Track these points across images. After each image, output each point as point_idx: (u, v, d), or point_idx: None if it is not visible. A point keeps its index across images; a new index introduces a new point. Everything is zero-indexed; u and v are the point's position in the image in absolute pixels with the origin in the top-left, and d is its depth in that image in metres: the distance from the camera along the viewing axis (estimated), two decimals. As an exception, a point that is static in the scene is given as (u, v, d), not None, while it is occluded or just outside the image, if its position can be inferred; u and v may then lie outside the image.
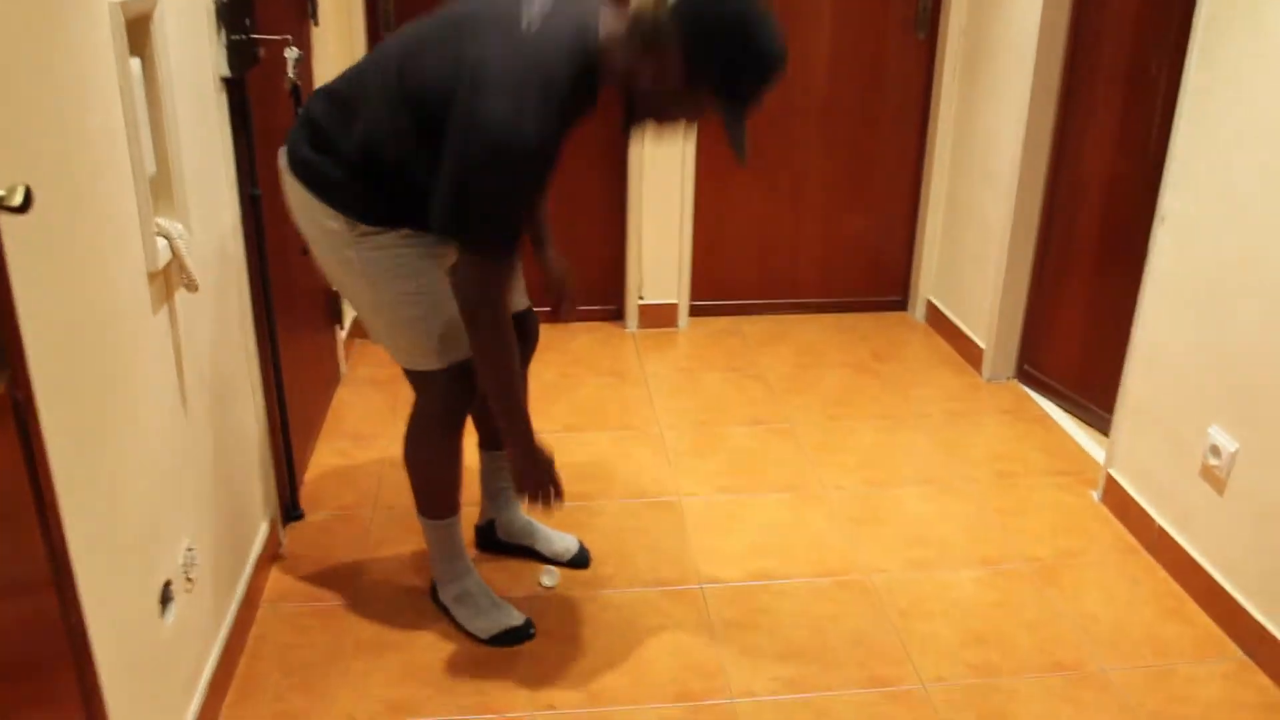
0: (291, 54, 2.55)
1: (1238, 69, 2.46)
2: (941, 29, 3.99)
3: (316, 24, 3.35)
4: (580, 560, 2.72)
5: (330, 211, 2.11)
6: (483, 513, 2.77)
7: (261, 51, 2.47)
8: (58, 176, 1.48)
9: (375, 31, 3.69)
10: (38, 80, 1.43)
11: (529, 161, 1.90)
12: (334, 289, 2.20)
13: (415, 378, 2.28)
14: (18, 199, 1.22)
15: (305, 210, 2.15)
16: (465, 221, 1.95)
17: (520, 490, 2.23)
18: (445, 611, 2.51)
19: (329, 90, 2.16)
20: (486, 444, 2.68)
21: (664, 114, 2.00)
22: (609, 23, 1.94)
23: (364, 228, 2.10)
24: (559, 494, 2.24)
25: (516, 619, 2.47)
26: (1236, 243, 2.48)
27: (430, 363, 2.21)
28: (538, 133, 1.86)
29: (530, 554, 2.73)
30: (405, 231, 2.12)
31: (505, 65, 1.87)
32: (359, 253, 2.12)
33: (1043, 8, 3.32)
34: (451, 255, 2.08)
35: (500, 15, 1.94)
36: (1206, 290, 2.60)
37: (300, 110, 2.17)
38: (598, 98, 2.02)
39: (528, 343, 2.55)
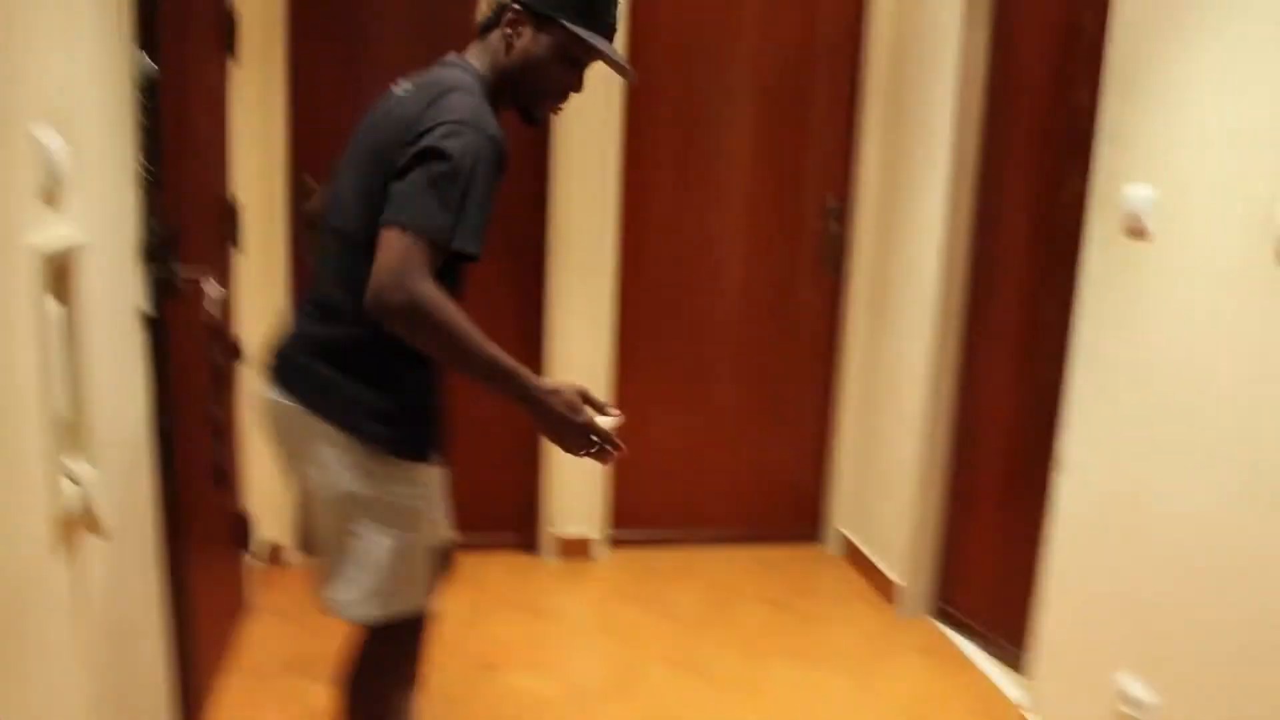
0: (212, 289, 2.54)
1: (1121, 322, 2.59)
2: (849, 268, 4.15)
3: (239, 250, 3.38)
4: None
5: (350, 441, 1.99)
6: None
7: (182, 285, 2.46)
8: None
9: (299, 251, 3.72)
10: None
11: (498, 149, 1.91)
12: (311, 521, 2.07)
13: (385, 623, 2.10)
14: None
15: (311, 438, 2.02)
16: (452, 217, 1.83)
17: (567, 449, 2.00)
18: None
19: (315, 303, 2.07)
20: None
21: (545, 86, 2.08)
22: (475, 53, 2.08)
23: (389, 460, 2.02)
24: (609, 441, 2.00)
25: None
26: (1132, 490, 2.55)
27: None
28: (497, 127, 1.93)
29: None
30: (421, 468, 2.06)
31: (448, 92, 1.94)
32: (379, 488, 2.02)
33: (942, 256, 3.49)
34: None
35: (392, 111, 1.98)
36: (1108, 535, 2.65)
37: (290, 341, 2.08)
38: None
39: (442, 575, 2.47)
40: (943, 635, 3.67)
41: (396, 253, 1.79)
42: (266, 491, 3.79)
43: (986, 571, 3.55)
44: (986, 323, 3.48)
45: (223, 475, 2.73)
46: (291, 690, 3.08)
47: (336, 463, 2.00)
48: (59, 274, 1.80)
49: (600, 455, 2.02)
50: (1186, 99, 2.40)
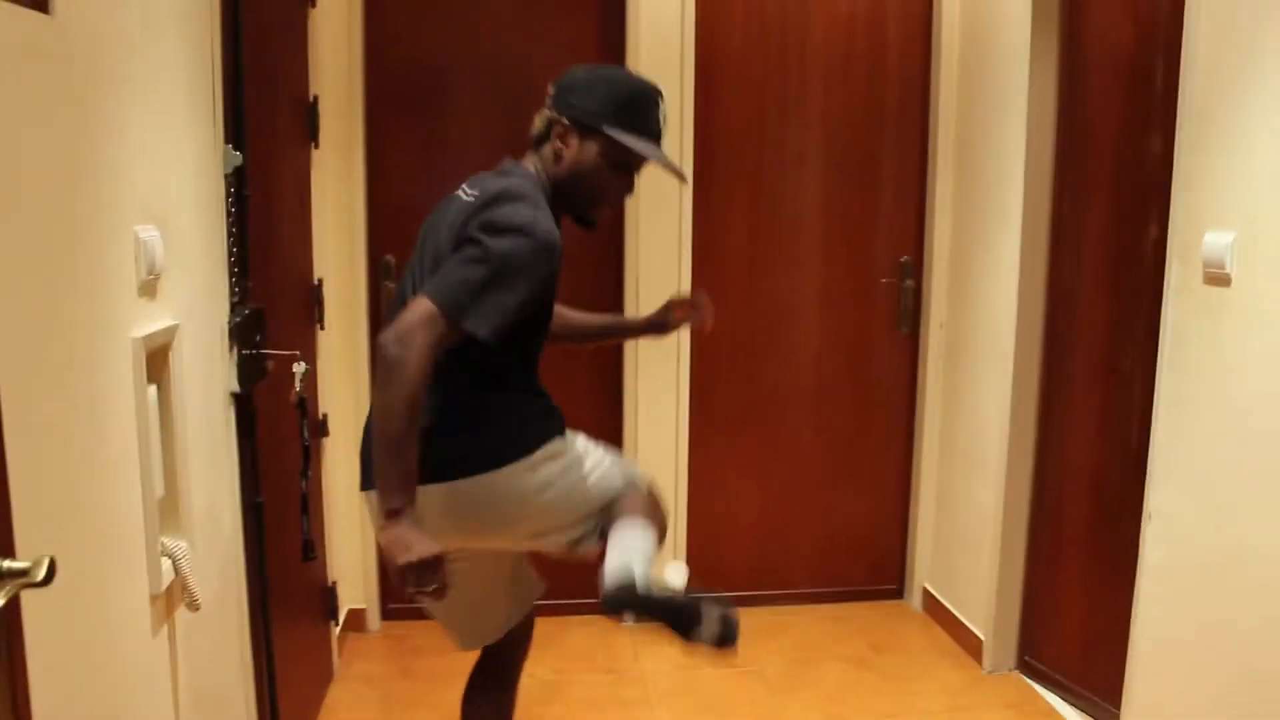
0: (299, 368, 2.64)
1: (1205, 370, 2.57)
2: (923, 324, 4.16)
3: (323, 328, 3.49)
4: None
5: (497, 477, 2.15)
6: None
7: (270, 365, 2.56)
8: (72, 512, 1.51)
9: (377, 327, 3.82)
10: (61, 422, 1.48)
11: (550, 255, 2.03)
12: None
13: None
14: (41, 574, 1.20)
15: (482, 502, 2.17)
16: (475, 305, 1.96)
17: (394, 575, 1.99)
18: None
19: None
20: None
21: (599, 192, 2.22)
22: (530, 162, 2.23)
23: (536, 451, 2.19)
24: (435, 581, 1.98)
25: None
26: (1224, 541, 2.51)
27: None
28: (552, 229, 2.04)
29: None
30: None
31: (504, 193, 2.07)
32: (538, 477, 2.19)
33: (1018, 309, 3.48)
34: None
35: (452, 213, 2.12)
36: (1200, 587, 2.61)
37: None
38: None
39: (523, 644, 2.55)
40: (1030, 690, 3.62)
41: (415, 315, 1.94)
42: (350, 561, 3.89)
43: (1074, 625, 3.50)
44: (1066, 374, 3.46)
45: (310, 548, 2.81)
46: (381, 757, 3.13)
47: (503, 499, 2.18)
48: (155, 358, 1.89)
49: (421, 595, 2.01)
50: (1262, 140, 2.39)
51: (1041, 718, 3.44)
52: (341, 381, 3.74)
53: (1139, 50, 3.12)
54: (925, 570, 4.30)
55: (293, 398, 2.66)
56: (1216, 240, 2.52)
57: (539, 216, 2.04)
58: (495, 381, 2.18)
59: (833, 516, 4.32)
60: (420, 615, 4.02)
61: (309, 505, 2.80)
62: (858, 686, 3.65)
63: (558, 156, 2.19)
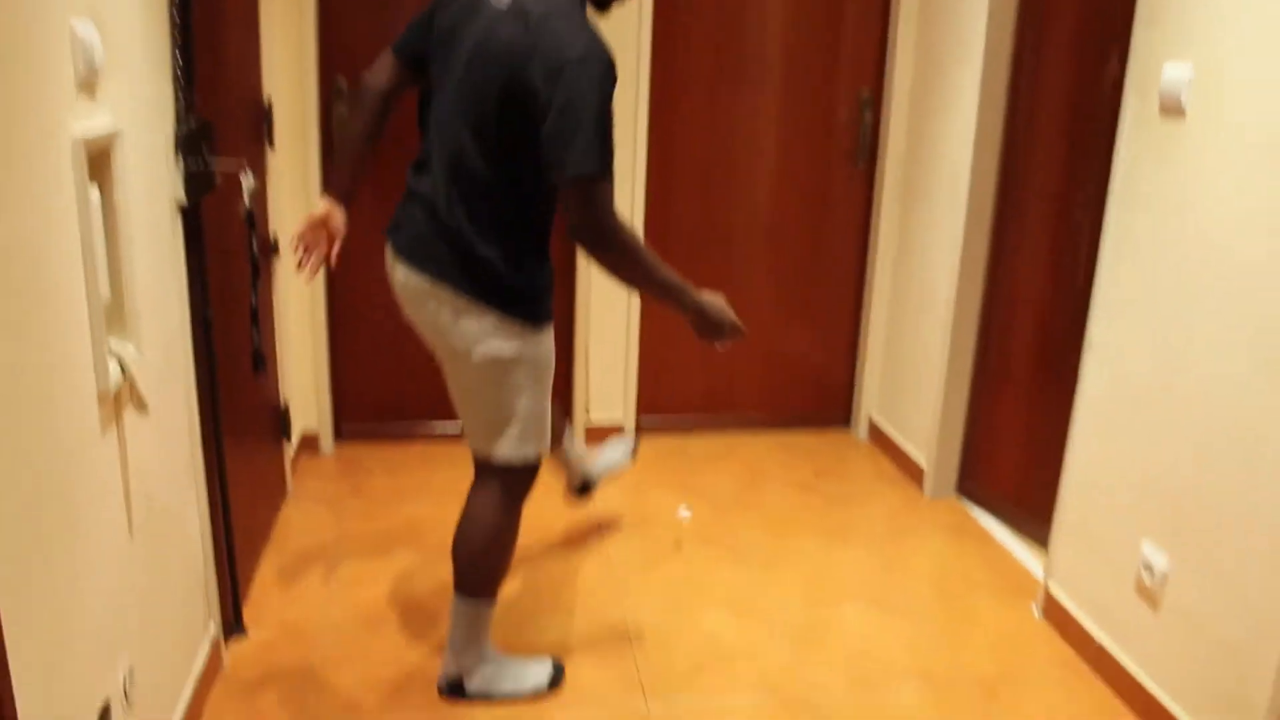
0: (247, 180, 2.61)
1: (1154, 204, 2.60)
2: (880, 159, 4.15)
3: (273, 148, 3.44)
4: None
5: (499, 314, 2.32)
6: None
7: (218, 178, 2.53)
8: (7, 299, 1.51)
9: (329, 154, 3.77)
10: (2, 218, 1.47)
11: (613, 69, 2.16)
12: (460, 393, 2.47)
13: (507, 464, 2.47)
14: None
15: (463, 319, 2.33)
16: (602, 151, 2.14)
17: (706, 336, 2.49)
18: (478, 696, 2.62)
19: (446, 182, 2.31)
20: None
21: None
22: None
23: (530, 325, 2.37)
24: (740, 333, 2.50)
25: (546, 666, 2.71)
26: (1158, 369, 2.58)
27: (531, 450, 2.47)
28: (605, 44, 2.17)
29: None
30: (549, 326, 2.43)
31: (559, 32, 2.14)
32: (524, 348, 2.37)
33: (974, 144, 3.48)
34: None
35: (496, 37, 2.20)
36: (1134, 413, 2.69)
37: (426, 224, 2.33)
38: None
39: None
40: (968, 513, 3.75)
41: (589, 207, 2.16)
42: (302, 384, 3.92)
43: (1012, 451, 3.61)
44: (1019, 210, 3.48)
45: (261, 360, 2.82)
46: (331, 569, 3.21)
47: (491, 333, 2.33)
48: (98, 161, 1.87)
49: (735, 335, 2.49)
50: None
51: (976, 538, 3.58)
52: (292, 203, 3.70)
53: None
54: (872, 401, 4.40)
55: (241, 211, 2.63)
56: (1174, 73, 2.52)
57: (593, 34, 2.16)
58: (539, 237, 2.38)
59: (784, 347, 4.38)
60: (373, 436, 4.11)
61: (258, 317, 2.80)
62: (802, 509, 3.76)
63: None
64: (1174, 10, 2.54)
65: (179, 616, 2.38)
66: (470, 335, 2.33)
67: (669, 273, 2.32)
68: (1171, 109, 2.54)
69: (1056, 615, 3.02)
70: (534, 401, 2.43)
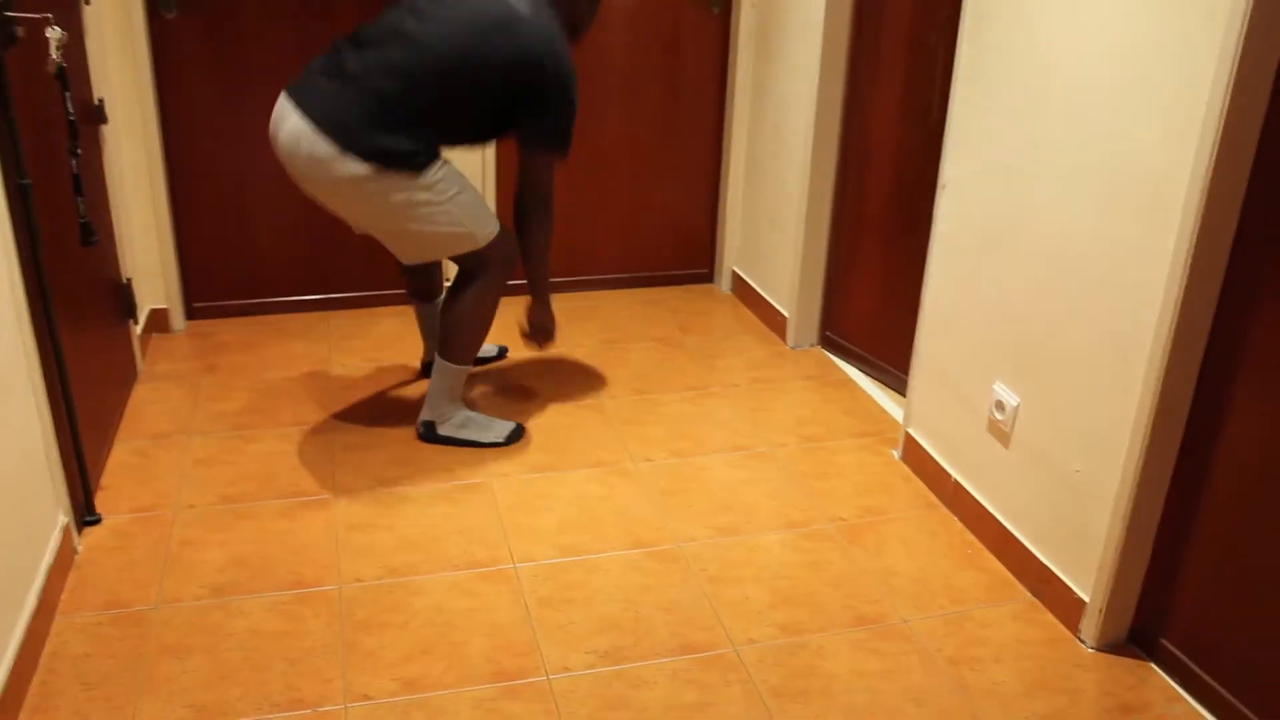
0: (55, 34, 2.41)
1: (1002, 41, 2.58)
2: (735, 3, 4.05)
3: (88, 3, 3.19)
4: (502, 353, 3.78)
5: (406, 176, 2.73)
6: (427, 352, 3.53)
7: (20, 31, 2.33)
8: None
9: (154, 8, 3.52)
10: None
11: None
12: (373, 233, 2.93)
13: (477, 253, 2.95)
14: None
15: (367, 186, 2.72)
16: (568, 136, 2.88)
17: (535, 333, 3.18)
18: (447, 441, 3.15)
19: (395, 76, 2.71)
20: (421, 297, 3.40)
21: (586, 17, 3.00)
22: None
23: (432, 170, 2.78)
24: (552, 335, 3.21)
25: (509, 424, 3.22)
26: (1006, 207, 2.60)
27: (490, 231, 2.94)
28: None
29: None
30: (445, 155, 2.87)
31: (555, 42, 2.80)
32: (430, 191, 2.78)
33: (827, -18, 3.42)
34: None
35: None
36: (984, 253, 2.72)
37: (349, 92, 2.69)
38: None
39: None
40: (830, 363, 3.80)
41: (546, 176, 2.91)
42: (147, 260, 3.73)
43: (870, 300, 3.65)
44: (873, 51, 3.44)
45: (89, 231, 2.65)
46: (185, 449, 3.11)
47: (392, 189, 2.76)
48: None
49: (548, 339, 3.22)
50: None
51: (838, 386, 3.63)
52: (118, 64, 3.46)
53: None
54: (734, 254, 4.39)
55: (50, 67, 2.43)
56: (1020, -99, 2.48)
57: (563, 40, 2.82)
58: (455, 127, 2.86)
59: (643, 201, 4.32)
60: (225, 313, 3.96)
61: (82, 186, 2.62)
62: (665, 364, 3.76)
63: None
64: None
65: (20, 507, 2.26)
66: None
67: (545, 268, 3.10)
68: (1021, -56, 2.51)
69: (915, 457, 3.10)
70: (455, 207, 2.86)
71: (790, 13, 3.71)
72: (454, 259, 2.98)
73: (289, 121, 2.72)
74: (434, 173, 2.78)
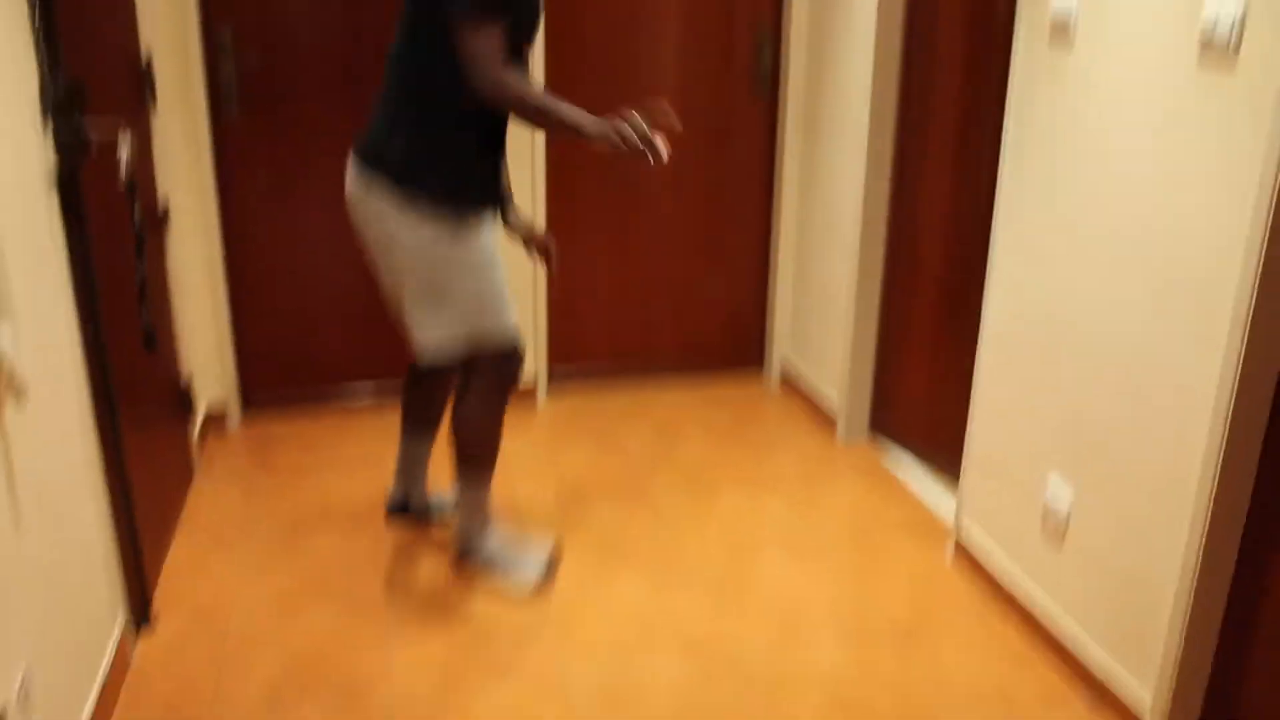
0: (126, 145, 2.49)
1: (1047, 134, 2.60)
2: (782, 92, 4.11)
3: (155, 105, 3.30)
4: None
5: (433, 214, 2.60)
6: (395, 490, 3.25)
7: (94, 141, 2.40)
8: None
9: (218, 105, 3.64)
10: None
11: None
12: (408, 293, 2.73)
13: (485, 350, 2.76)
14: None
15: (392, 219, 2.62)
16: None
17: (636, 155, 2.51)
18: (483, 567, 3.00)
19: (388, 84, 2.65)
20: (414, 423, 3.15)
21: None
22: None
23: (463, 222, 2.63)
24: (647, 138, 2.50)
25: (544, 550, 3.03)
26: (1056, 299, 2.60)
27: (504, 327, 2.75)
28: None
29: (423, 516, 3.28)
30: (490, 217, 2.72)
31: None
32: (453, 242, 2.63)
33: (873, 73, 3.46)
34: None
35: None
36: (1034, 345, 2.71)
37: (374, 118, 2.67)
38: None
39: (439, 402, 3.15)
40: (881, 454, 3.78)
41: (484, 46, 2.46)
42: (206, 357, 3.80)
43: (922, 391, 3.63)
44: (920, 142, 3.47)
45: (152, 339, 2.71)
46: (241, 550, 3.14)
47: (420, 230, 2.62)
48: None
49: (642, 141, 2.49)
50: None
51: (889, 479, 3.60)
52: (184, 166, 3.56)
53: None
54: (784, 343, 4.39)
55: (121, 177, 2.51)
56: (1063, 1, 2.52)
57: None
58: (467, 128, 2.64)
59: (693, 291, 4.35)
60: (282, 405, 4.01)
61: (147, 293, 2.68)
62: (717, 457, 3.75)
63: None
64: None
65: (81, 612, 2.29)
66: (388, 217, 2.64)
67: (568, 110, 2.51)
68: (1061, 37, 2.53)
69: (968, 555, 3.06)
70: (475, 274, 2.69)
71: (837, 102, 3.76)
72: (463, 351, 2.77)
73: (349, 168, 2.73)
74: (463, 225, 2.64)
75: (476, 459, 2.89)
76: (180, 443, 3.44)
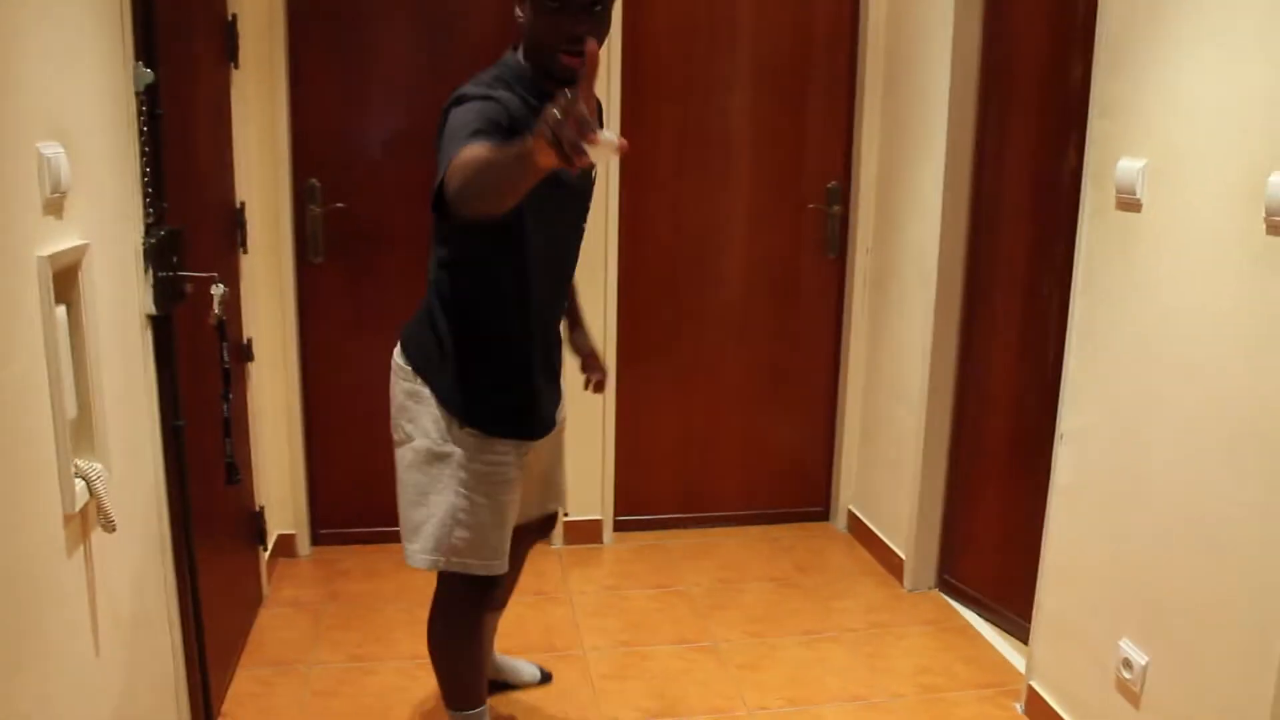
0: (218, 291, 2.61)
1: (1115, 292, 2.63)
2: (850, 249, 4.20)
3: (245, 252, 3.45)
4: (546, 678, 3.18)
5: (439, 412, 2.37)
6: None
7: (189, 288, 2.53)
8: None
9: (302, 250, 3.80)
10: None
11: (487, 106, 2.13)
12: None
13: (451, 573, 2.44)
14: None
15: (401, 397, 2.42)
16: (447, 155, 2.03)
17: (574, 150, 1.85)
18: None
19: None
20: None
21: (542, 39, 2.20)
22: (510, 51, 2.34)
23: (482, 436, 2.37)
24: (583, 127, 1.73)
25: None
26: (1127, 459, 2.59)
27: (492, 562, 2.43)
28: (490, 94, 2.17)
29: (503, 687, 3.10)
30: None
31: (464, 86, 2.21)
32: (446, 450, 2.37)
33: (940, 234, 3.53)
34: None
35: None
36: (1106, 505, 2.69)
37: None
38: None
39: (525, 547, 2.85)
40: (948, 607, 3.73)
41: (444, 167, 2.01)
42: (278, 486, 3.89)
43: (990, 544, 3.60)
44: (987, 299, 3.52)
45: (234, 471, 2.80)
46: (305, 679, 3.16)
47: (429, 421, 2.38)
48: (64, 278, 1.87)
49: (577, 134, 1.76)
50: (1177, 70, 2.42)
51: (957, 633, 3.55)
52: (266, 306, 3.71)
53: (1061, -24, 3.14)
54: (850, 492, 4.39)
55: (212, 320, 2.63)
56: (1129, 166, 2.56)
57: (482, 84, 2.20)
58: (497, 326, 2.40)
59: (759, 440, 4.38)
60: (349, 540, 4.06)
61: (231, 428, 2.78)
62: (781, 605, 3.73)
63: (519, 29, 2.28)
64: (1128, 104, 2.59)
65: (148, 735, 2.33)
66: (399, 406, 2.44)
67: (501, 157, 1.88)
68: (1128, 201, 2.58)
69: (1039, 712, 2.99)
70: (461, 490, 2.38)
71: (905, 260, 3.83)
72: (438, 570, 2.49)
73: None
74: (465, 439, 2.37)
75: (449, 685, 2.58)
76: (250, 568, 3.51)
